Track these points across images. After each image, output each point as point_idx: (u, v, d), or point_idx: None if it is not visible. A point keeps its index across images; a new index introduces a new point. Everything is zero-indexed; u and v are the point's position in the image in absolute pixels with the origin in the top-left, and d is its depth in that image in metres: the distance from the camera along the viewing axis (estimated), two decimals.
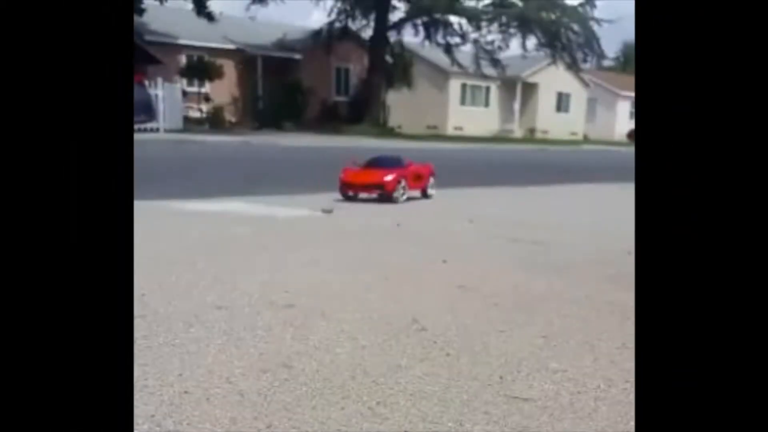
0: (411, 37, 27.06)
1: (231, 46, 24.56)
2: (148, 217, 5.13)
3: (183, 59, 23.25)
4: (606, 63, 36.52)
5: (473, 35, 26.27)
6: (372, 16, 25.87)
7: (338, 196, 7.55)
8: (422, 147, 18.01)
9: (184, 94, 21.40)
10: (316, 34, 25.71)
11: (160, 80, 18.11)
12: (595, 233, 5.64)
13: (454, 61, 26.04)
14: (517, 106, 31.82)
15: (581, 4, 25.82)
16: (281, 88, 24.30)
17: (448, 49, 26.21)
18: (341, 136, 21.05)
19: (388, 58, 26.96)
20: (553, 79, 31.54)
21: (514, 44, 26.54)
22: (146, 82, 17.29)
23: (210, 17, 22.17)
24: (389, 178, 7.47)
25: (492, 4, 25.81)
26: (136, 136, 12.81)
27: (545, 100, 32.81)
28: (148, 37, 21.70)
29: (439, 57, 27.63)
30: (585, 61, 27.66)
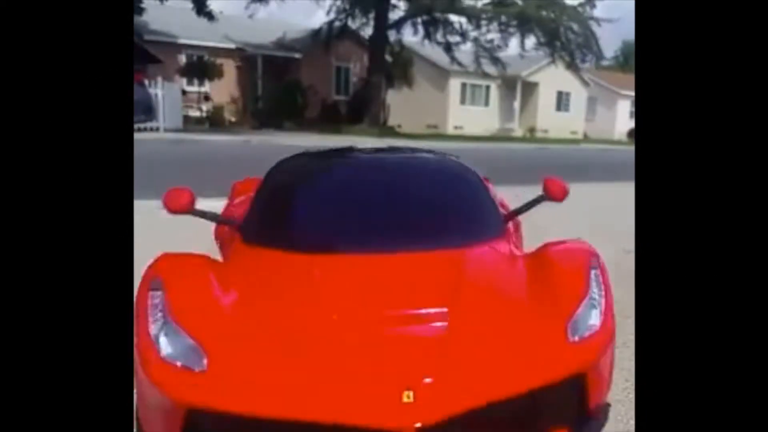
0: (411, 36, 27.05)
1: (231, 46, 24.56)
2: (155, 217, 5.12)
3: (183, 58, 23.26)
4: (605, 62, 36.46)
5: (473, 34, 26.25)
6: (371, 15, 25.83)
7: None
8: (422, 146, 17.91)
9: (184, 93, 21.39)
10: (316, 33, 25.68)
11: (160, 79, 18.09)
12: (594, 232, 5.65)
13: (454, 59, 26.01)
14: (517, 105, 31.78)
15: (581, 4, 25.77)
16: (281, 88, 24.28)
17: (448, 47, 26.17)
18: (341, 135, 21.03)
19: (388, 57, 26.93)
20: (553, 78, 31.51)
21: (514, 43, 26.53)
22: (146, 82, 17.26)
23: (210, 16, 22.13)
24: None
25: (491, 2, 25.77)
26: (136, 136, 12.81)
27: (545, 99, 32.76)
28: (148, 37, 21.71)
29: (439, 56, 27.58)
30: (584, 60, 27.60)
